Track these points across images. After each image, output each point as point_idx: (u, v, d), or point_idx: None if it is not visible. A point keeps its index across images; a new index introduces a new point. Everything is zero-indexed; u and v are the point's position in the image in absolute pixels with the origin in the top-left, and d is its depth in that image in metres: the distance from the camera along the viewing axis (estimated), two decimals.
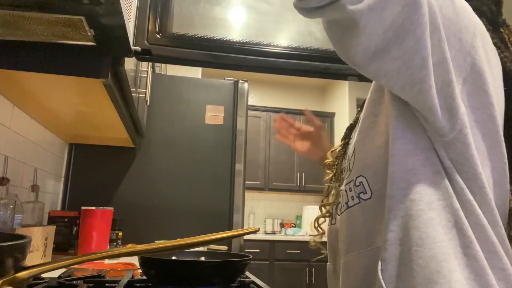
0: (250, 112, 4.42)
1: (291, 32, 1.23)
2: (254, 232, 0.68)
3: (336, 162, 0.79)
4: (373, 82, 0.69)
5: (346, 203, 0.69)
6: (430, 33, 0.53)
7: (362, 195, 0.65)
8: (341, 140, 0.79)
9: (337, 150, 0.80)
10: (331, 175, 0.79)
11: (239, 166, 2.28)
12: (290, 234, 4.39)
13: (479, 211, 0.57)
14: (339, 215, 0.73)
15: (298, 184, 4.46)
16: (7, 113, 1.33)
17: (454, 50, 0.57)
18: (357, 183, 0.66)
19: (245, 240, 3.73)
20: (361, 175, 0.65)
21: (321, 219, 0.80)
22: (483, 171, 0.58)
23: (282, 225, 4.55)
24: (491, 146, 0.60)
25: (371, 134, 0.65)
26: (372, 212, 0.63)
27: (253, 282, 0.91)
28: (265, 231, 4.49)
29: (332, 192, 0.79)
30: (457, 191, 0.57)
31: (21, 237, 0.54)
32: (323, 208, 0.79)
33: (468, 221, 0.56)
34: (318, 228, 0.80)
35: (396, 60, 0.52)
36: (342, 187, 0.71)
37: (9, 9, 0.80)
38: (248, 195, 4.48)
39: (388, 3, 0.49)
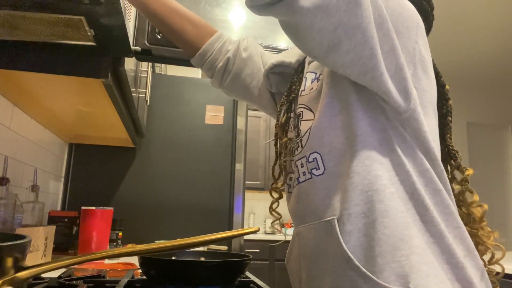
0: (250, 112, 4.43)
1: None
2: (254, 232, 0.68)
3: (282, 138, 0.79)
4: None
5: (297, 178, 0.72)
6: (378, 25, 0.58)
7: (314, 171, 0.68)
8: (284, 114, 0.79)
9: (282, 123, 0.79)
10: (286, 157, 0.79)
11: (239, 166, 2.28)
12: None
13: (436, 178, 0.64)
14: (290, 191, 0.76)
15: None
16: (7, 113, 1.33)
17: (404, 38, 0.63)
18: (310, 159, 0.69)
19: (245, 240, 3.73)
20: (315, 152, 0.68)
21: (275, 204, 0.81)
22: (435, 145, 0.66)
23: (282, 225, 4.56)
24: (435, 123, 0.68)
25: (327, 114, 0.68)
26: (323, 187, 0.67)
27: (253, 282, 0.91)
28: (265, 231, 4.49)
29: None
30: (417, 161, 0.64)
31: (21, 237, 0.54)
32: (274, 192, 0.81)
33: (428, 188, 0.63)
34: (274, 212, 0.81)
35: (348, 53, 0.58)
36: (293, 163, 0.74)
37: (9, 9, 0.80)
38: (248, 195, 4.48)
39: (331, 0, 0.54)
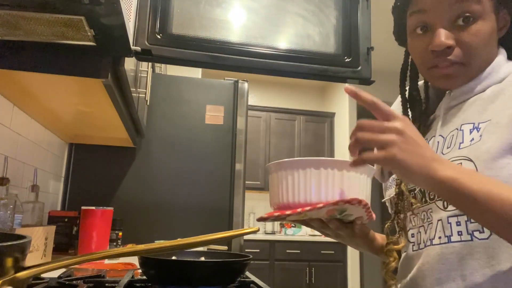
0: (250, 112, 4.43)
1: (290, 34, 1.23)
2: (254, 232, 0.68)
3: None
4: None
5: (448, 236, 0.65)
6: None
7: (477, 234, 0.61)
8: None
9: None
10: (417, 203, 0.71)
11: (239, 166, 2.28)
12: (290, 234, 4.39)
13: None
14: (425, 244, 0.69)
15: None
16: (7, 113, 1.33)
17: None
18: (473, 220, 0.62)
19: (245, 240, 3.72)
20: None
21: (392, 264, 0.71)
22: None
23: (282, 225, 4.56)
24: None
25: (499, 166, 0.61)
26: (485, 254, 0.60)
27: (253, 282, 0.91)
28: (265, 231, 4.49)
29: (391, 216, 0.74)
30: None
31: (21, 237, 0.54)
32: (391, 253, 0.71)
33: None
34: (388, 276, 0.71)
35: None
36: (443, 218, 0.67)
37: (9, 9, 0.80)
38: (248, 195, 4.48)
39: None
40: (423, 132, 0.77)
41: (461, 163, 0.65)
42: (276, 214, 0.65)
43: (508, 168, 0.60)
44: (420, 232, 0.71)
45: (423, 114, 0.79)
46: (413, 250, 0.72)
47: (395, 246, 0.71)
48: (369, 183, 0.67)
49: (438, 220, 0.67)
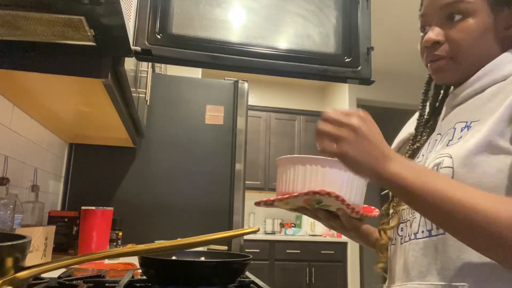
0: (250, 112, 4.42)
1: (290, 34, 1.23)
2: (254, 232, 0.68)
3: None
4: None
5: (429, 230, 0.66)
6: None
7: None
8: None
9: None
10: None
11: (239, 166, 2.28)
12: (290, 234, 4.39)
13: None
14: (410, 238, 0.70)
15: None
16: (7, 113, 1.33)
17: None
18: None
19: (245, 240, 3.72)
20: None
21: (382, 242, 0.76)
22: None
23: (282, 225, 4.56)
24: None
25: (482, 165, 0.62)
26: (456, 247, 0.61)
27: (253, 282, 0.91)
28: (265, 231, 4.49)
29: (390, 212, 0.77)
30: None
31: (21, 237, 0.54)
32: (384, 232, 0.76)
33: None
34: (381, 254, 0.76)
35: None
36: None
37: (9, 9, 0.80)
38: (248, 195, 4.48)
39: None
40: (431, 130, 0.79)
41: (443, 159, 0.66)
42: (265, 199, 0.79)
43: (483, 165, 0.61)
44: (406, 226, 0.73)
45: (434, 112, 0.82)
46: (400, 244, 0.73)
47: (387, 226, 0.76)
48: (357, 180, 0.75)
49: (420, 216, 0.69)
